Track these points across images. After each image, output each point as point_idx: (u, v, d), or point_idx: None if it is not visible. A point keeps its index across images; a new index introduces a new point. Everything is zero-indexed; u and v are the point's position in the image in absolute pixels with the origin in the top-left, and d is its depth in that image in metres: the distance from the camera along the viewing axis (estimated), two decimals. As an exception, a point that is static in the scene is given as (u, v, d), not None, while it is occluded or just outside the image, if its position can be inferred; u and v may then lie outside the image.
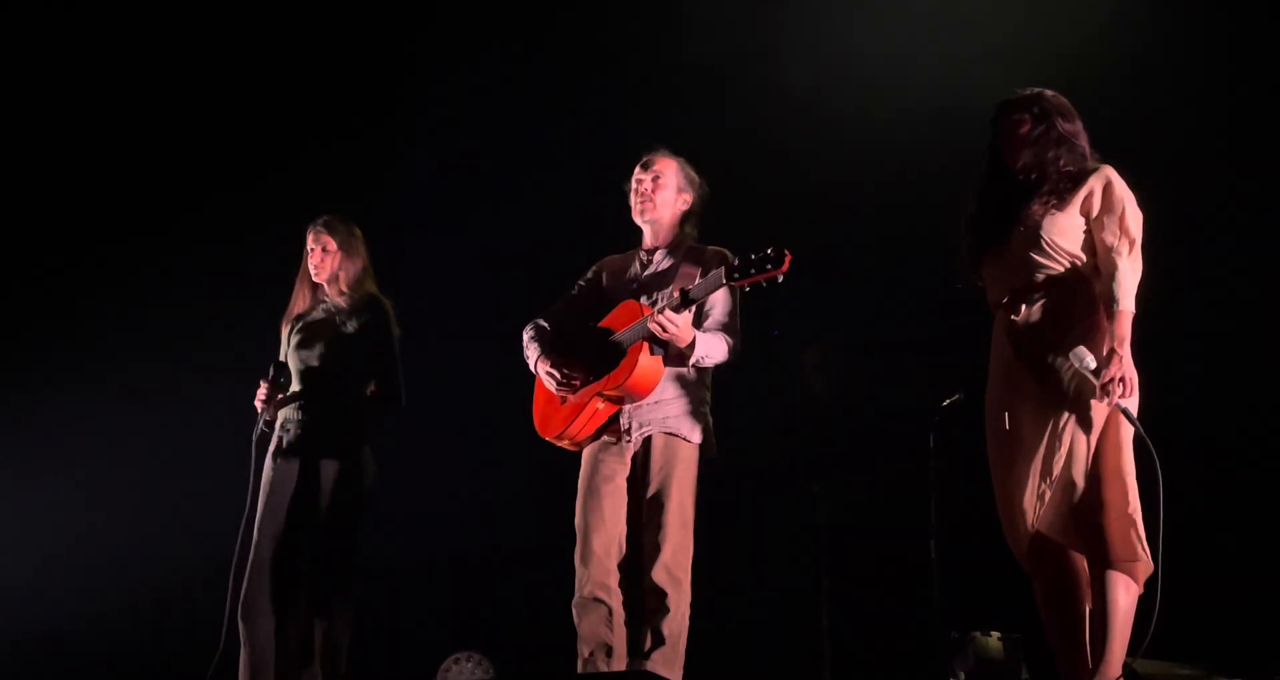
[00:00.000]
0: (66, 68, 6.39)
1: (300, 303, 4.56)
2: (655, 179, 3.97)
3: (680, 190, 4.00)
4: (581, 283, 4.13)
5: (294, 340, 4.47)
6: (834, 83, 5.82)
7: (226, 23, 6.35)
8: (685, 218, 4.03)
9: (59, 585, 6.26)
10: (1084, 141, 3.50)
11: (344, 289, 4.50)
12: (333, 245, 4.51)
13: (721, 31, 6.11)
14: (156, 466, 6.26)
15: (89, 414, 6.29)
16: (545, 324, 4.07)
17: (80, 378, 6.34)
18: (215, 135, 6.45)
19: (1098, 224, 3.38)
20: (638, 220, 4.02)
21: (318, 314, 4.51)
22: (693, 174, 4.03)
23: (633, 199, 4.01)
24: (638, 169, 4.02)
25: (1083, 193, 3.40)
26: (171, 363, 6.21)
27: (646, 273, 3.98)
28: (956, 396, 5.13)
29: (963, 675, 4.91)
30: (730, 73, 6.06)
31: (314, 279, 4.52)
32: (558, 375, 3.87)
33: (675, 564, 3.70)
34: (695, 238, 4.04)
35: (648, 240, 4.04)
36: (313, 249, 4.52)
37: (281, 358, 4.49)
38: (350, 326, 4.44)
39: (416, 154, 6.43)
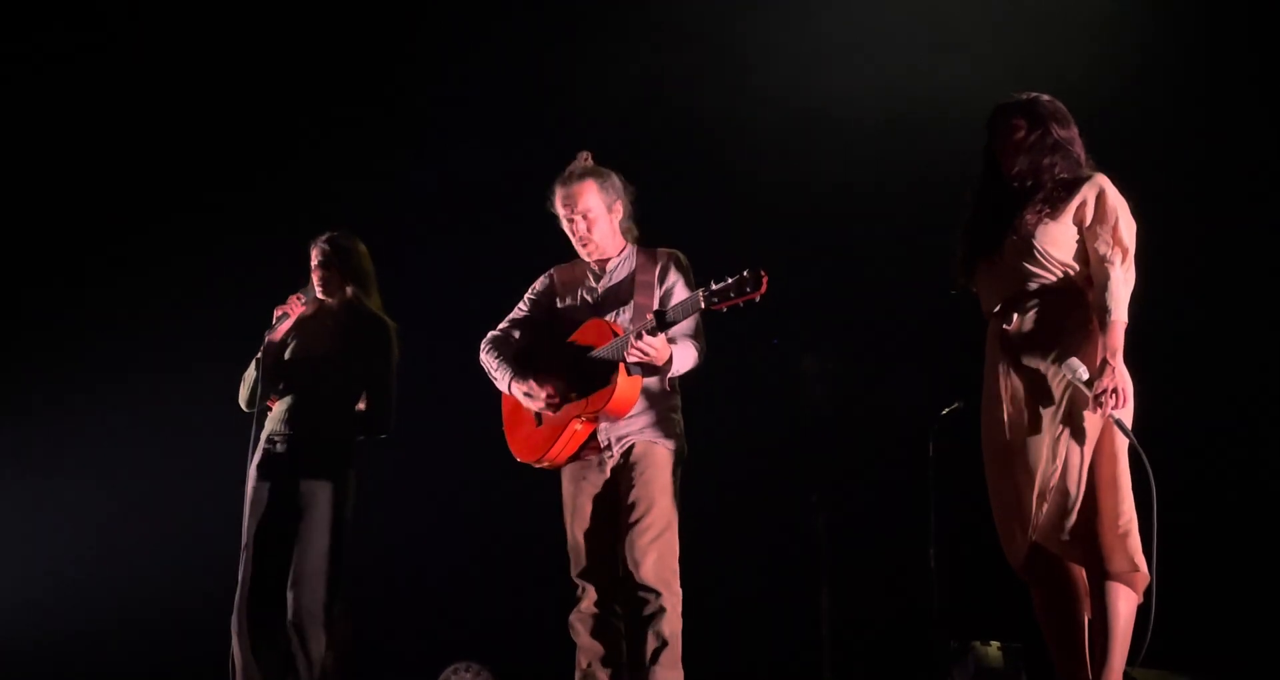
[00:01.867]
0: (70, 73, 6.41)
1: (303, 316, 4.54)
2: (584, 217, 3.89)
3: (609, 208, 3.93)
4: (532, 297, 4.08)
5: (290, 353, 4.45)
6: (830, 87, 5.81)
7: (225, 27, 6.35)
8: (625, 222, 3.98)
9: (61, 590, 6.27)
10: (1079, 148, 3.49)
11: (347, 305, 4.49)
12: (335, 261, 4.49)
13: (722, 37, 6.12)
14: (159, 472, 6.27)
15: (91, 419, 6.31)
16: (506, 340, 4.03)
17: (83, 381, 6.36)
18: (219, 139, 6.46)
19: (1090, 233, 3.35)
20: (585, 259, 3.97)
21: (316, 329, 4.49)
22: (612, 180, 3.94)
23: (572, 239, 3.95)
24: (561, 207, 3.92)
25: (1076, 201, 3.38)
26: (174, 368, 6.21)
27: (603, 283, 3.95)
28: (956, 405, 5.12)
29: (963, 685, 4.90)
30: (731, 76, 6.06)
31: (317, 294, 4.50)
32: (542, 395, 3.84)
33: (664, 566, 3.71)
34: (636, 234, 4.00)
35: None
36: (315, 264, 4.51)
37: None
38: (348, 345, 4.42)
39: (415, 165, 6.42)
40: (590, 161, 3.97)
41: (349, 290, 4.47)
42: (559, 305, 4.00)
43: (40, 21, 6.31)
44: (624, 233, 3.99)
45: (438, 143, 6.43)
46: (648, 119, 5.99)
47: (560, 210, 3.94)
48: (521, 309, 4.09)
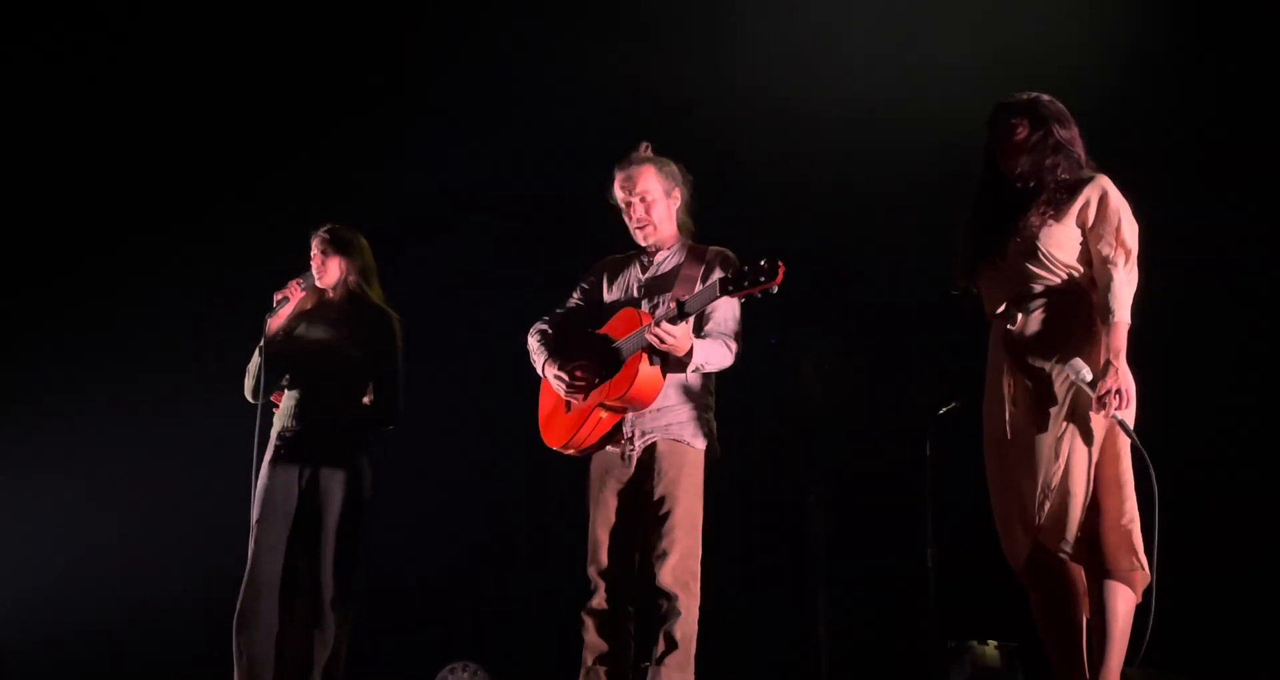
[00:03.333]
0: (70, 73, 6.41)
1: (304, 308, 4.54)
2: (643, 199, 3.92)
3: (668, 194, 3.96)
4: (584, 285, 4.12)
5: (295, 346, 4.45)
6: (830, 86, 5.82)
7: (225, 26, 6.36)
8: (681, 214, 4.01)
9: (63, 592, 6.27)
10: (1080, 148, 3.50)
11: (349, 297, 4.49)
12: (335, 253, 4.50)
13: (716, 35, 6.13)
14: (161, 471, 6.28)
15: (94, 418, 6.31)
16: (549, 329, 4.06)
17: (84, 379, 6.37)
18: (217, 139, 6.46)
19: (1093, 235, 3.37)
20: (641, 242, 3.99)
21: (320, 321, 4.49)
22: (671, 168, 3.97)
23: (629, 223, 3.97)
24: (619, 190, 3.95)
25: (1079, 203, 3.39)
26: (176, 367, 6.23)
27: (649, 274, 3.98)
28: (953, 405, 5.12)
29: (960, 684, 4.91)
30: (725, 74, 6.06)
31: (316, 283, 4.51)
32: (566, 379, 3.87)
33: (683, 568, 3.71)
34: (691, 228, 4.02)
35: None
36: (315, 256, 4.52)
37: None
38: (353, 337, 4.43)
39: (416, 157, 6.43)
40: (650, 151, 3.99)
41: (351, 282, 4.49)
42: (607, 296, 4.04)
43: (40, 21, 6.32)
44: (680, 226, 4.00)
45: (438, 142, 6.44)
46: (643, 118, 5.97)
47: (619, 194, 3.96)
48: (572, 297, 4.13)
